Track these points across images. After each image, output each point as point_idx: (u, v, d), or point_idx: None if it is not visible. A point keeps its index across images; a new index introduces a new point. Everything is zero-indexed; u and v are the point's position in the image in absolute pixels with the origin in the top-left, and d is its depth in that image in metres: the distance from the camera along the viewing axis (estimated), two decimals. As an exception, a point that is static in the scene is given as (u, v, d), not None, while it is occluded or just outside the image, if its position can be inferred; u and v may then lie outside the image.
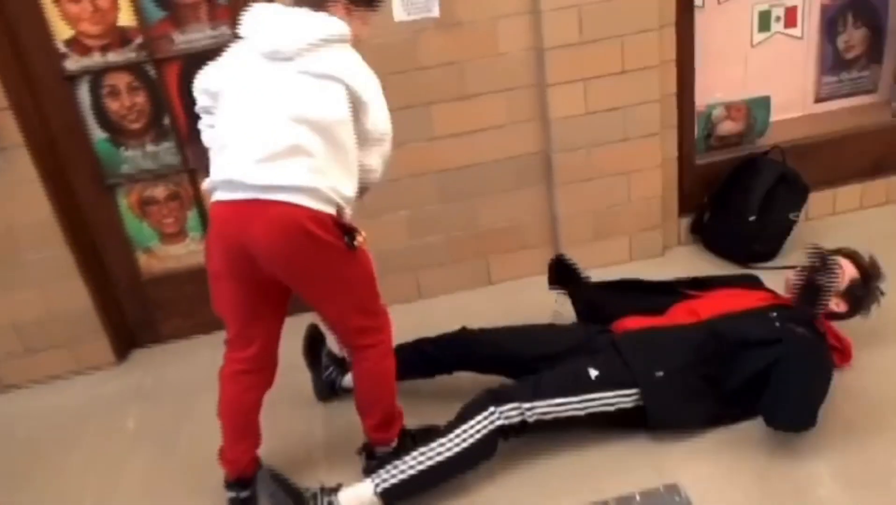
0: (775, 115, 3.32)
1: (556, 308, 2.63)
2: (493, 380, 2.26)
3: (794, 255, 2.98)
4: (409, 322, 2.38)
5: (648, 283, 2.57)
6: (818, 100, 3.48)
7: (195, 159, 2.84)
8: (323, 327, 2.42)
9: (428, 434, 2.06)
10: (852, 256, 2.31)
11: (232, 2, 2.66)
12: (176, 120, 2.81)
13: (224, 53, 1.94)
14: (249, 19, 1.90)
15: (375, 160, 1.97)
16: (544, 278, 2.62)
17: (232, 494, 2.12)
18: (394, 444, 2.14)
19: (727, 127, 3.29)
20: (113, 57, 2.71)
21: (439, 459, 1.99)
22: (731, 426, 2.17)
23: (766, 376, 2.08)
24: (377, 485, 1.97)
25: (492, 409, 2.03)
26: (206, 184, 1.95)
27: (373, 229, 2.03)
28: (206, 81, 1.96)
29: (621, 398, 2.11)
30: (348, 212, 1.91)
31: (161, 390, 2.80)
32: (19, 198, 2.65)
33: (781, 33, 3.32)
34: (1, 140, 2.56)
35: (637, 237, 3.15)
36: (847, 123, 3.33)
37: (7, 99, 2.54)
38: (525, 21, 2.77)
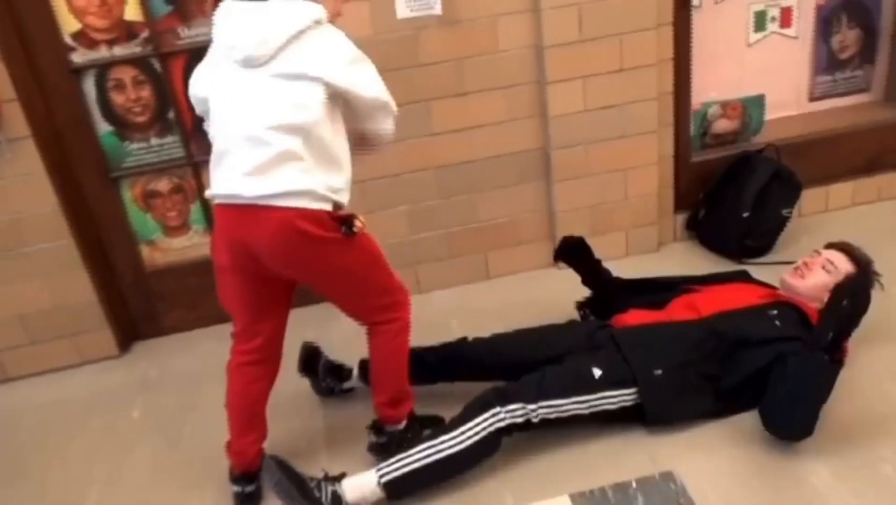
0: (770, 114, 3.36)
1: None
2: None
3: (788, 250, 3.04)
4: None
5: (651, 280, 2.60)
6: (812, 99, 3.53)
7: (200, 153, 2.88)
8: (317, 343, 2.50)
9: (432, 422, 2.09)
10: (845, 249, 2.34)
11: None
12: (180, 114, 2.84)
13: (208, 53, 1.93)
14: (219, 20, 1.87)
15: (387, 124, 1.97)
16: (542, 273, 2.66)
17: (237, 489, 2.13)
18: (402, 424, 2.16)
19: (722, 125, 3.34)
20: (119, 51, 2.74)
21: (443, 454, 2.00)
22: (727, 418, 2.19)
23: (764, 374, 2.10)
24: (381, 477, 1.98)
25: (497, 408, 2.04)
26: (207, 192, 1.98)
27: (373, 224, 2.05)
28: (194, 87, 1.95)
29: (624, 397, 2.13)
30: (345, 198, 1.91)
31: (165, 382, 2.83)
32: (25, 189, 2.68)
33: (777, 33, 3.37)
34: (8, 132, 2.59)
35: (633, 233, 3.20)
36: (840, 122, 3.37)
37: (14, 91, 2.56)
38: (525, 19, 2.80)
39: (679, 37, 2.97)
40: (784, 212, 3.09)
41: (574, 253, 2.62)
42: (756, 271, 2.69)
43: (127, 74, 2.79)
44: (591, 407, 2.11)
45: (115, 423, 2.63)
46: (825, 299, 2.25)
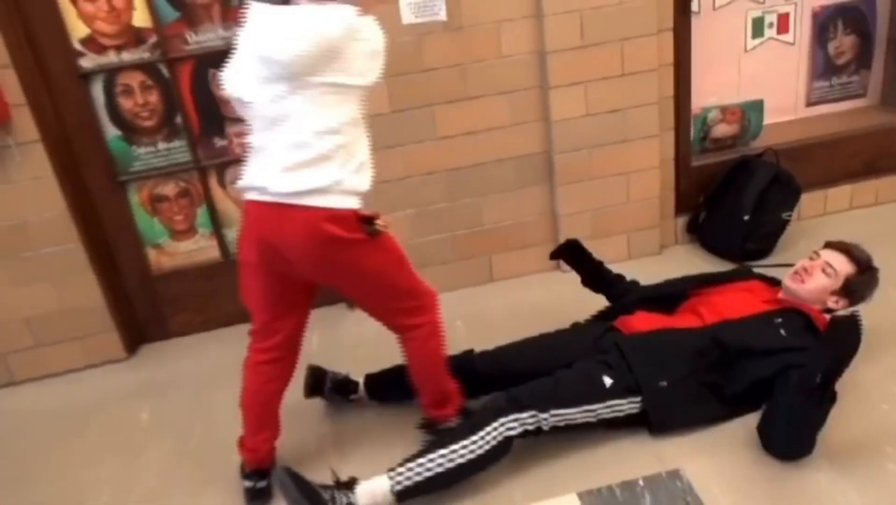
0: (768, 119, 3.41)
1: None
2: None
3: (788, 253, 3.07)
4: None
5: (659, 288, 2.59)
6: (810, 104, 3.58)
7: (206, 157, 2.91)
8: (324, 366, 2.49)
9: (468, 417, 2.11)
10: (845, 249, 2.32)
11: (243, 3, 2.71)
12: (188, 119, 2.87)
13: (235, 52, 1.91)
14: (250, 23, 1.86)
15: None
16: (546, 275, 2.66)
17: (249, 484, 2.14)
18: (453, 421, 2.17)
19: (722, 129, 3.38)
20: (127, 56, 2.77)
21: (457, 463, 2.00)
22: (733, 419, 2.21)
23: (769, 382, 2.10)
24: (394, 484, 1.97)
25: (510, 415, 2.05)
26: (239, 184, 1.98)
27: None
28: (230, 88, 1.92)
29: (632, 405, 2.15)
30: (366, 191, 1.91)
31: (173, 385, 2.83)
32: (34, 193, 2.70)
33: (774, 39, 3.42)
34: (18, 136, 2.61)
35: (635, 236, 3.23)
36: (838, 127, 3.42)
37: (24, 96, 2.59)
38: (528, 25, 2.84)
39: (679, 42, 3.01)
40: (784, 215, 3.13)
41: (570, 255, 2.64)
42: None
43: (135, 79, 2.81)
44: (600, 415, 2.13)
45: (124, 425, 2.64)
46: (826, 302, 2.30)
